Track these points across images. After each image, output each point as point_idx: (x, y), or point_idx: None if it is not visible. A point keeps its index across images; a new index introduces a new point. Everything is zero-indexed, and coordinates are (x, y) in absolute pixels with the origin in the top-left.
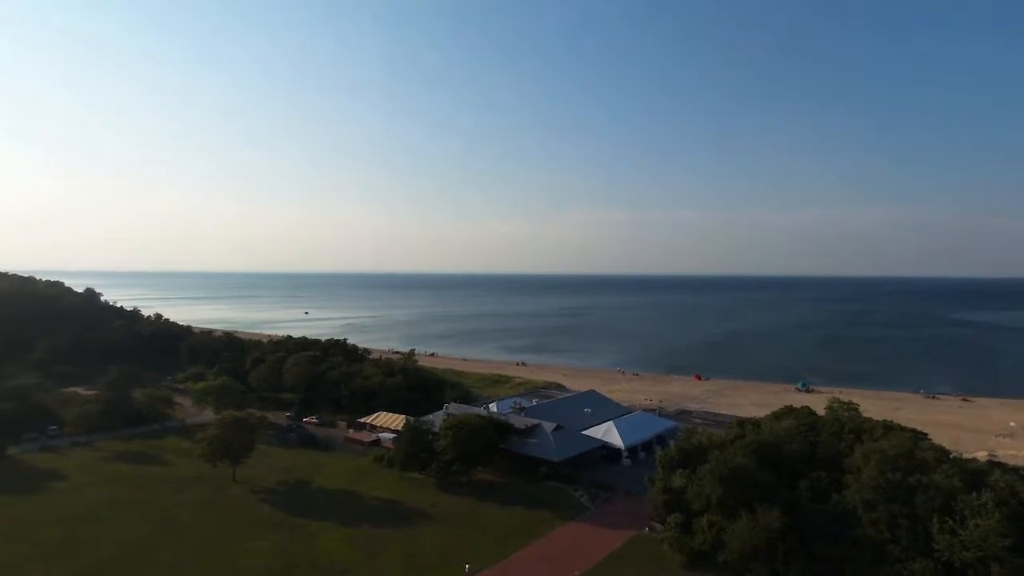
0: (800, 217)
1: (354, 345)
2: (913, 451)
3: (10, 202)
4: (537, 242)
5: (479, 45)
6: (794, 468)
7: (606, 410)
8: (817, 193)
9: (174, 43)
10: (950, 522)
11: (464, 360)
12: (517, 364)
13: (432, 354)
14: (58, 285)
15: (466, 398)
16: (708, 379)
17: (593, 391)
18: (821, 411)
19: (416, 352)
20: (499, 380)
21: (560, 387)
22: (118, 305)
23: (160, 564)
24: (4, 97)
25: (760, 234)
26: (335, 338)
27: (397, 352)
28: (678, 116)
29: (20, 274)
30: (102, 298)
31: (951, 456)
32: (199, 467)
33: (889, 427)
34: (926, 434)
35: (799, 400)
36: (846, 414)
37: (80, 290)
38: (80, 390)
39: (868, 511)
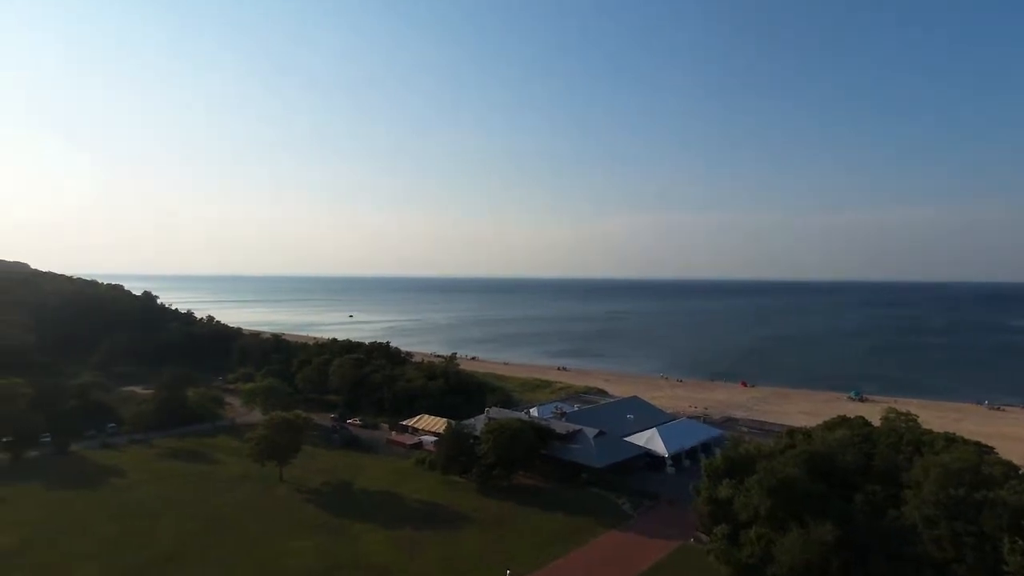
0: (845, 218)
1: (397, 348)
2: (979, 465)
3: (73, 206)
4: (578, 246)
5: (511, 46)
6: (848, 481)
7: (649, 416)
8: (863, 194)
9: (217, 52)
10: (1021, 542)
11: (505, 364)
12: (558, 369)
13: (473, 358)
14: (118, 288)
15: (507, 402)
16: (754, 386)
17: (636, 397)
18: (876, 421)
19: (457, 356)
20: (540, 385)
21: (602, 392)
22: (173, 307)
23: (208, 561)
24: (59, 101)
25: (806, 237)
26: (378, 341)
27: (439, 355)
28: (715, 115)
29: (83, 277)
30: (158, 300)
31: (1020, 472)
32: (247, 466)
33: (951, 439)
34: (992, 447)
35: (851, 409)
36: (904, 425)
37: (138, 293)
38: (137, 389)
39: (930, 528)
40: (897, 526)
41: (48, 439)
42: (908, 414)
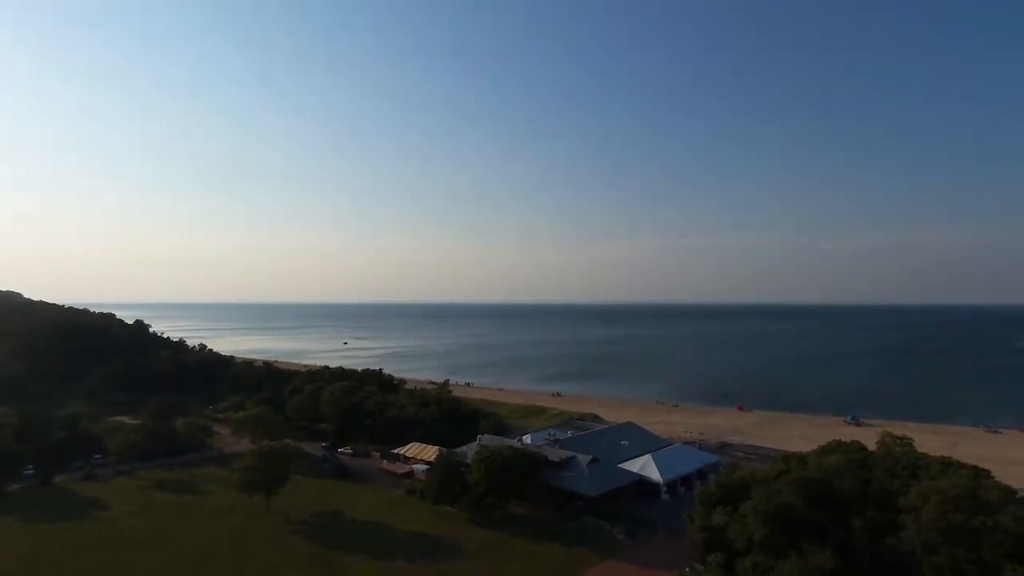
0: (847, 243)
1: (389, 375)
2: (976, 490)
3: (68, 236)
4: (572, 270)
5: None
6: (845, 506)
7: (644, 443)
8: (863, 218)
9: (226, 75)
10: (1023, 570)
11: (499, 390)
12: (552, 395)
13: (467, 384)
14: (109, 317)
15: (500, 429)
16: (751, 411)
17: (631, 423)
18: (872, 446)
19: (451, 382)
20: (534, 411)
21: (597, 418)
22: (165, 336)
23: None
24: (56, 128)
25: (805, 261)
26: (371, 368)
27: (432, 382)
28: (719, 136)
29: (75, 306)
30: (150, 329)
31: (1018, 496)
32: (235, 497)
33: (947, 463)
34: (988, 471)
35: (848, 433)
36: (899, 449)
37: (130, 321)
38: (126, 419)
39: (929, 555)
40: (896, 552)
41: (32, 471)
42: (904, 438)
